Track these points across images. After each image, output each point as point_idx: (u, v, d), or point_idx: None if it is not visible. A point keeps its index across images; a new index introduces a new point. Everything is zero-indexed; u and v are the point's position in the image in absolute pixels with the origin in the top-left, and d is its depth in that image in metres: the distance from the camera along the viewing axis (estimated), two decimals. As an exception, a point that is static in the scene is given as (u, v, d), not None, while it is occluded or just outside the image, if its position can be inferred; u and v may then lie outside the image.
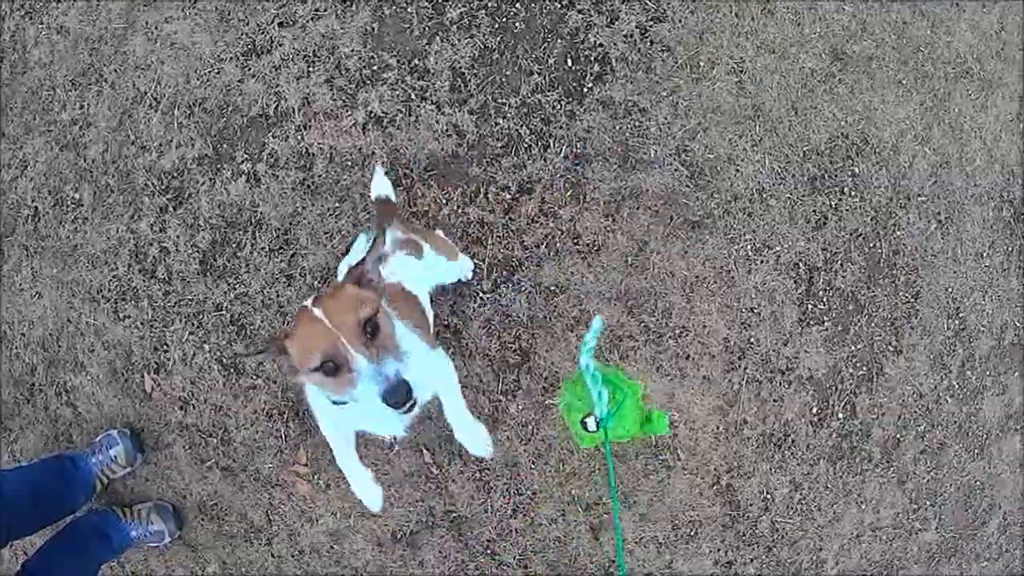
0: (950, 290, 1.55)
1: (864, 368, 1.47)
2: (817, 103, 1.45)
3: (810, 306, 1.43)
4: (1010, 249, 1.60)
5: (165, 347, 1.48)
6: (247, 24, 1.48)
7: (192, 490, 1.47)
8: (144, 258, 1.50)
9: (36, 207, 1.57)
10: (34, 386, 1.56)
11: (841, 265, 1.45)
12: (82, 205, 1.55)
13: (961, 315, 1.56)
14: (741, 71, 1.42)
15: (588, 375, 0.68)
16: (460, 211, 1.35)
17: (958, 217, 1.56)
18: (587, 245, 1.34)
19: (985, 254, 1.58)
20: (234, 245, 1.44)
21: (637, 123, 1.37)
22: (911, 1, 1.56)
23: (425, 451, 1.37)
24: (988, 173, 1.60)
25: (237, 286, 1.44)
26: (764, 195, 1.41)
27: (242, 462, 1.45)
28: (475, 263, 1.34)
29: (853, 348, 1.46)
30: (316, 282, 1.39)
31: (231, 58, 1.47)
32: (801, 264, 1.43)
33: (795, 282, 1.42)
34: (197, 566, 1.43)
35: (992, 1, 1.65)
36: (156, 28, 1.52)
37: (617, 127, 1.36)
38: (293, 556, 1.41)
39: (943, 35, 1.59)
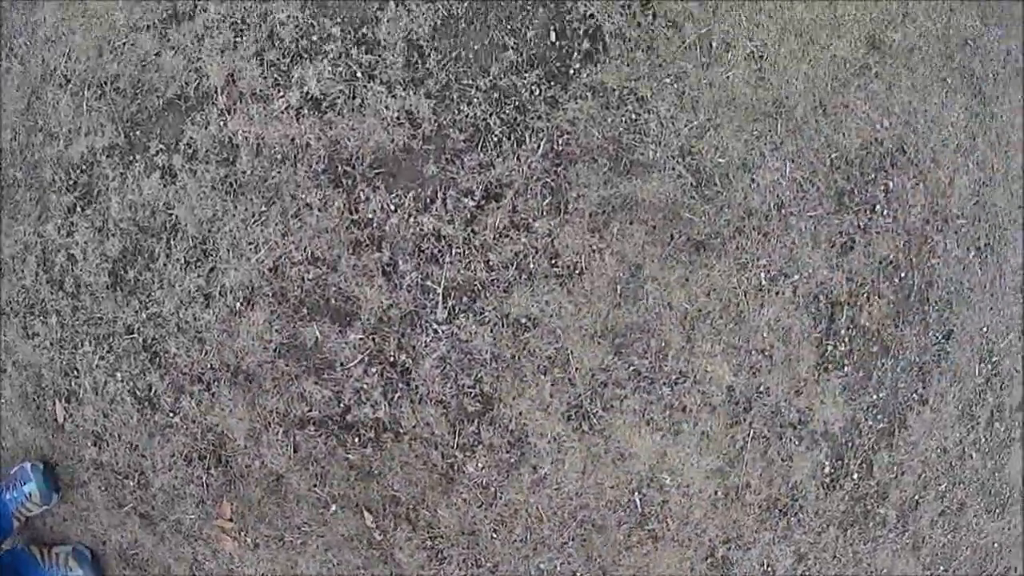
0: (985, 330, 1.11)
1: (885, 420, 1.04)
2: (849, 100, 0.99)
3: (830, 347, 0.99)
4: (1049, 282, 1.18)
5: (75, 372, 1.04)
6: (170, -14, 1.04)
7: (111, 536, 1.04)
8: (52, 267, 1.05)
9: (-52, 202, 1.13)
10: (-51, 404, 1.15)
11: (867, 299, 1.00)
12: (-9, 201, 1.12)
13: (994, 359, 1.12)
14: (761, 56, 0.94)
15: None
16: (412, 220, 0.88)
17: (998, 245, 1.11)
18: (567, 267, 0.88)
19: None
20: (146, 255, 0.99)
21: (634, 116, 0.89)
22: None
23: (367, 513, 0.95)
24: (1031, 194, 1.17)
25: (149, 304, 0.99)
26: (783, 211, 0.95)
27: (161, 510, 1.02)
28: (429, 286, 0.92)
29: (875, 397, 1.03)
30: (237, 303, 0.96)
31: (148, 26, 1.00)
32: (822, 297, 0.98)
33: (814, 319, 0.98)
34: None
35: (1040, -4, 1.21)
36: (71, -7, 1.07)
37: (609, 120, 0.88)
38: (211, 623, 1.01)
39: (993, 27, 1.13)
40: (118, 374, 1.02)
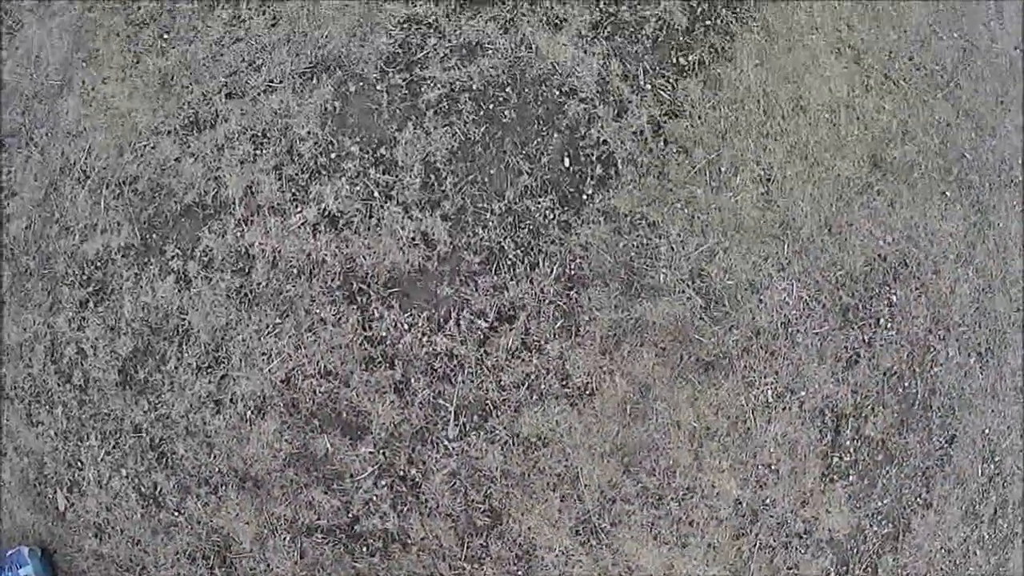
0: (987, 432, 1.14)
1: (890, 525, 1.07)
2: (853, 218, 1.03)
3: (835, 459, 1.02)
4: (1048, 380, 1.22)
5: (79, 464, 1.06)
6: (191, 92, 1.06)
7: None
8: (60, 358, 1.07)
9: (-46, 281, 1.15)
10: (-54, 480, 1.16)
11: (872, 410, 1.04)
12: None
13: (996, 459, 1.15)
14: (768, 179, 0.99)
15: None
16: (425, 340, 0.92)
17: (998, 348, 1.16)
18: (578, 388, 0.91)
19: None
20: (157, 357, 1.01)
21: (645, 240, 0.94)
22: (954, 100, 1.18)
23: None
24: (1029, 295, 1.22)
25: (159, 406, 1.01)
26: (790, 329, 0.99)
27: None
28: (441, 404, 0.95)
29: (879, 504, 1.06)
30: (248, 412, 0.99)
31: (169, 131, 1.04)
32: (828, 410, 1.01)
33: (820, 432, 1.01)
34: None
35: (1034, 100, 1.28)
36: (92, 89, 1.09)
37: (621, 244, 0.93)
38: None
39: (987, 137, 1.20)
40: (123, 470, 1.04)
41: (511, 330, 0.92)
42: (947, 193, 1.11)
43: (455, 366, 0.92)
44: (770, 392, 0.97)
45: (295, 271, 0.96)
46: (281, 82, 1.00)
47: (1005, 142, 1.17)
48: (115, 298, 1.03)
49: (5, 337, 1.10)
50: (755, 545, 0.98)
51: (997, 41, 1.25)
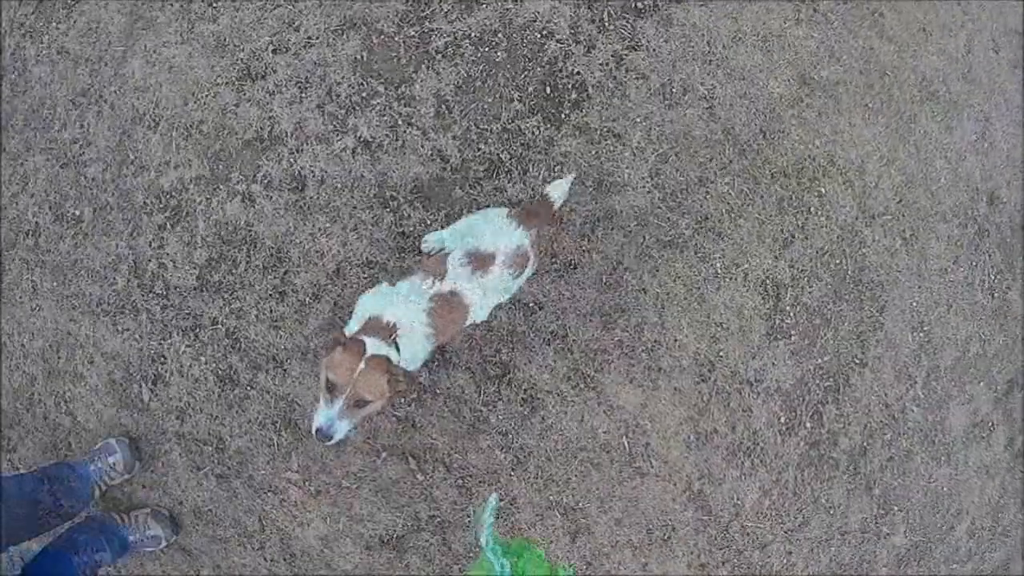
0: (915, 305, 1.64)
1: (830, 380, 1.56)
2: (785, 127, 1.54)
3: (777, 321, 1.52)
4: (974, 264, 1.69)
5: (163, 359, 1.57)
6: (242, 50, 1.57)
7: (188, 497, 1.54)
8: (143, 273, 1.59)
9: (37, 222, 1.65)
10: (33, 396, 1.63)
11: (808, 282, 1.54)
12: (82, 222, 1.63)
13: (926, 328, 1.65)
14: (711, 97, 1.50)
15: (489, 551, 0.74)
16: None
17: (923, 235, 1.65)
18: (563, 264, 1.43)
19: (949, 270, 1.67)
20: (230, 262, 1.53)
21: (612, 148, 1.45)
22: (878, 28, 1.66)
23: (411, 459, 1.47)
24: (952, 192, 1.69)
25: (232, 301, 1.52)
26: (733, 215, 1.50)
27: (236, 469, 1.54)
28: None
29: (820, 360, 1.55)
30: (307, 298, 1.49)
31: (227, 82, 1.55)
32: (768, 281, 1.52)
33: (763, 298, 1.51)
34: (192, 570, 1.50)
35: (959, 26, 1.75)
36: (155, 52, 1.60)
37: (593, 152, 1.44)
38: (285, 559, 1.49)
39: (909, 59, 1.68)
40: (202, 358, 1.54)
41: (510, 220, 1.42)
42: (870, 105, 1.59)
43: (468, 250, 1.42)
44: (718, 265, 1.46)
45: (339, 186, 1.46)
46: (317, 38, 1.50)
47: (926, 63, 1.65)
48: (190, 219, 1.53)
49: (89, 264, 1.60)
50: (713, 390, 1.47)
51: (921, -29, 1.73)
